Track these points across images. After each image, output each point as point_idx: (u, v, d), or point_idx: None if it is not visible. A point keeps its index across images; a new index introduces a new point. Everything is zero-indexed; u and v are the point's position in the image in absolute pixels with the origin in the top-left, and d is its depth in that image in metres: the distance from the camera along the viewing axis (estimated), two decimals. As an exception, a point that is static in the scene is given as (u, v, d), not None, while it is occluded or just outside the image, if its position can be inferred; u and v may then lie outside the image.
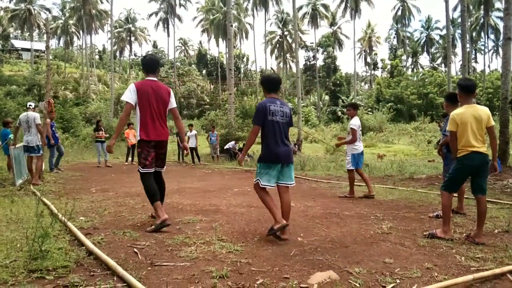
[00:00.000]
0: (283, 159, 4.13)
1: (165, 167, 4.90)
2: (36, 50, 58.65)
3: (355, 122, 6.99)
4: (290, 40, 55.40)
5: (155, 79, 4.67)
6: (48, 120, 11.17)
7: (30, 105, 8.96)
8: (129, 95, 4.46)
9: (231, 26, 19.53)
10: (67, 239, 3.93)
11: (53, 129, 11.41)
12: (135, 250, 3.63)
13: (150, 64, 4.70)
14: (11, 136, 10.12)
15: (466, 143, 4.06)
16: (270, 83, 4.36)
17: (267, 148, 4.13)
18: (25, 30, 58.81)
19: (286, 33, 56.26)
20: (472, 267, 3.26)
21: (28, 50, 58.73)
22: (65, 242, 3.77)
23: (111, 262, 3.14)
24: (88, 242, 3.68)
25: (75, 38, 62.23)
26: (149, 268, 3.18)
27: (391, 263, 3.35)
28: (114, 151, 4.96)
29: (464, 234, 4.25)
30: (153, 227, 4.36)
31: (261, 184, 4.12)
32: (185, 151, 5.45)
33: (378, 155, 19.72)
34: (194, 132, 16.88)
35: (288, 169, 4.23)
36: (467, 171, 4.15)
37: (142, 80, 4.72)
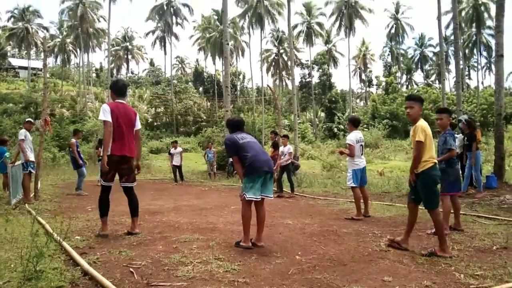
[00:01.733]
0: (264, 168, 4.45)
1: (134, 183, 5.19)
2: (33, 68, 58.89)
3: (351, 137, 6.71)
4: (285, 58, 55.86)
5: (124, 101, 5.17)
6: (73, 140, 11.00)
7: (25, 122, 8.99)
8: (106, 115, 4.86)
9: (228, 44, 19.73)
10: (62, 258, 3.89)
11: (78, 149, 11.05)
12: (131, 269, 3.59)
13: (122, 88, 5.19)
14: (7, 154, 10.07)
15: (433, 155, 4.29)
16: (234, 125, 4.83)
17: (249, 163, 4.43)
18: (23, 48, 59.11)
19: (281, 51, 56.76)
20: (471, 285, 3.24)
21: (25, 68, 58.96)
22: (60, 262, 3.72)
23: (107, 283, 3.10)
24: (83, 262, 3.63)
25: (72, 56, 62.47)
26: (145, 288, 3.13)
27: (389, 281, 3.32)
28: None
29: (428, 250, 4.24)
30: (97, 233, 5.06)
31: (247, 197, 4.42)
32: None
33: (378, 172, 19.54)
34: (179, 149, 15.72)
35: (269, 183, 4.60)
36: (437, 181, 4.38)
37: (113, 102, 5.13)
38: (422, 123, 4.33)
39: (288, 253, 4.23)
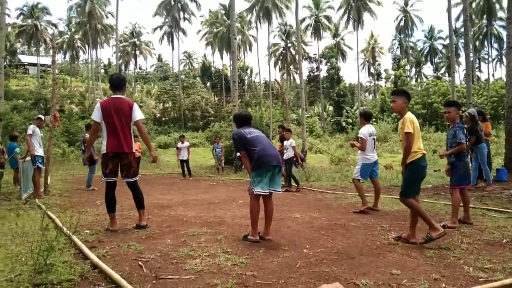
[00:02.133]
0: (273, 162, 4.45)
1: (136, 177, 5.18)
2: (43, 65, 59.36)
3: (363, 131, 6.66)
4: (293, 52, 55.66)
5: (120, 96, 5.09)
6: (87, 135, 11.05)
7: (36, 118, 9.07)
8: (95, 114, 4.97)
9: (235, 39, 19.67)
10: (72, 252, 3.93)
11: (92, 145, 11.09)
12: (140, 263, 3.62)
13: (117, 83, 5.13)
14: (17, 149, 10.20)
15: (421, 146, 4.41)
16: (242, 119, 4.81)
17: (258, 157, 4.44)
18: (32, 45, 59.68)
19: (289, 45, 56.55)
20: (480, 278, 3.21)
21: (34, 65, 59.47)
22: (70, 256, 3.77)
23: (116, 276, 3.13)
24: (92, 256, 3.67)
25: (80, 53, 63.02)
26: (154, 282, 3.16)
27: (398, 274, 3.31)
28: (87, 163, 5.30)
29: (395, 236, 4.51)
30: (106, 227, 5.12)
31: (255, 191, 4.43)
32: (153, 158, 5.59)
33: (385, 165, 19.37)
34: (186, 144, 15.67)
35: (278, 175, 4.60)
36: (423, 172, 4.46)
37: (108, 98, 5.15)
38: (409, 115, 4.44)
39: (296, 247, 4.23)
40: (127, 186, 5.20)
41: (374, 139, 6.77)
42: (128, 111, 4.99)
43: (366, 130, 6.68)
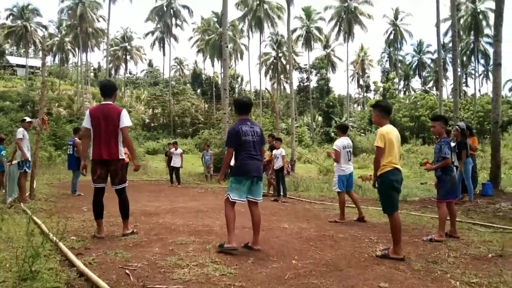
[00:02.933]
0: (253, 172, 4.48)
1: (123, 184, 5.11)
2: (31, 67, 58.68)
3: (337, 143, 6.88)
4: (284, 62, 55.98)
5: (109, 102, 5.08)
6: (77, 139, 10.78)
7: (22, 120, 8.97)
8: (86, 121, 5.00)
9: (227, 47, 19.76)
10: (57, 259, 3.87)
11: None
12: (127, 271, 3.58)
13: (107, 88, 5.15)
14: (3, 152, 10.03)
15: (393, 160, 4.39)
16: (242, 106, 4.76)
17: (239, 164, 4.49)
18: (21, 46, 58.96)
19: (280, 54, 56.88)
20: (467, 293, 3.25)
21: (23, 66, 58.67)
22: (55, 263, 3.70)
23: (103, 284, 3.09)
24: (79, 263, 3.62)
25: (70, 56, 62.36)
26: (141, 291, 3.12)
27: (386, 287, 3.33)
28: (85, 173, 5.33)
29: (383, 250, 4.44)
30: (93, 233, 5.08)
31: (231, 199, 4.46)
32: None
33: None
34: (179, 150, 15.40)
35: (257, 186, 4.60)
36: (390, 186, 4.40)
37: (97, 104, 5.18)
38: (383, 128, 4.49)
39: (284, 258, 4.22)
40: (116, 194, 5.15)
41: (349, 151, 6.94)
42: (116, 118, 4.94)
43: (341, 142, 6.89)
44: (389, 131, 4.46)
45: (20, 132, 8.38)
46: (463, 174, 8.56)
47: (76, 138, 10.94)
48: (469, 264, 4.11)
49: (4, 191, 8.53)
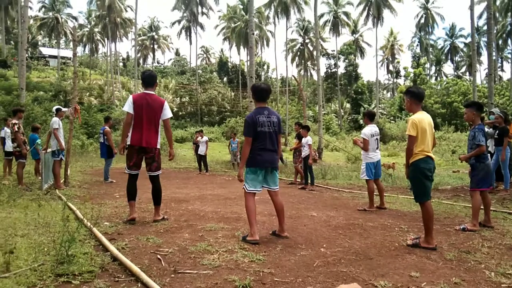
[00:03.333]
0: (267, 164, 4.43)
1: (158, 171, 5.32)
2: (63, 57, 60.33)
3: (365, 131, 6.85)
4: (311, 48, 55.32)
5: (151, 92, 5.26)
6: (108, 128, 11.18)
7: (53, 111, 9.21)
8: (128, 106, 5.09)
9: (253, 34, 19.62)
10: (92, 244, 4.00)
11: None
12: (159, 256, 3.66)
13: (149, 79, 5.29)
14: (39, 141, 10.40)
15: (425, 149, 4.28)
16: (260, 92, 4.59)
17: (254, 155, 4.40)
18: (53, 37, 60.60)
19: (307, 41, 56.19)
20: (502, 284, 3.15)
21: (55, 57, 60.42)
22: (90, 247, 3.83)
23: (135, 269, 3.17)
24: (112, 248, 3.73)
25: (100, 46, 63.82)
26: (173, 276, 3.19)
27: (417, 276, 3.27)
28: (123, 153, 5.39)
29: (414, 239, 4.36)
30: (125, 219, 5.22)
31: (247, 189, 4.42)
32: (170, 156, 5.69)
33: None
34: (205, 138, 15.70)
35: (273, 175, 4.54)
36: (422, 174, 4.29)
37: (140, 93, 5.34)
38: (415, 116, 4.37)
39: (313, 245, 4.22)
40: (149, 179, 5.32)
41: (377, 139, 6.91)
42: (159, 108, 5.17)
43: (369, 130, 6.84)
44: (422, 119, 4.32)
45: (56, 122, 8.63)
46: (500, 161, 8.27)
47: (106, 127, 11.21)
48: (504, 254, 3.98)
49: (40, 178, 8.86)
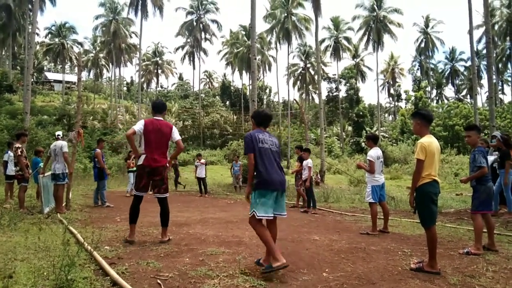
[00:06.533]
0: (278, 185, 4.12)
1: (166, 194, 5.59)
2: (67, 82, 61.14)
3: (371, 154, 6.84)
4: (312, 72, 55.87)
5: (160, 118, 5.66)
6: (98, 150, 11.05)
7: (58, 135, 9.25)
8: (138, 126, 5.44)
9: (255, 59, 19.92)
10: (92, 268, 3.96)
11: (104, 159, 11.16)
12: (159, 281, 3.62)
13: (160, 107, 5.79)
14: (41, 164, 10.43)
15: (432, 172, 4.26)
16: (261, 117, 4.46)
17: (261, 175, 4.08)
18: (58, 62, 61.59)
19: (308, 65, 56.82)
20: (508, 309, 3.10)
21: (59, 82, 61.27)
22: (90, 272, 3.80)
23: (135, 293, 3.13)
24: (112, 272, 3.69)
25: (104, 71, 64.70)
26: (173, 301, 3.15)
27: (420, 302, 3.22)
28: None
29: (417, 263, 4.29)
30: (125, 238, 5.48)
31: (257, 216, 4.02)
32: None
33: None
34: (203, 161, 16.29)
35: (282, 198, 4.27)
36: (428, 198, 4.25)
37: (150, 118, 5.72)
38: (424, 139, 4.35)
39: (315, 270, 4.17)
40: (157, 201, 5.55)
41: (381, 161, 6.95)
42: (168, 132, 5.56)
43: (375, 153, 6.86)
44: (430, 142, 4.32)
45: (65, 146, 8.70)
46: (502, 185, 8.22)
47: (97, 149, 11.17)
48: (509, 279, 3.93)
49: (40, 201, 8.85)
